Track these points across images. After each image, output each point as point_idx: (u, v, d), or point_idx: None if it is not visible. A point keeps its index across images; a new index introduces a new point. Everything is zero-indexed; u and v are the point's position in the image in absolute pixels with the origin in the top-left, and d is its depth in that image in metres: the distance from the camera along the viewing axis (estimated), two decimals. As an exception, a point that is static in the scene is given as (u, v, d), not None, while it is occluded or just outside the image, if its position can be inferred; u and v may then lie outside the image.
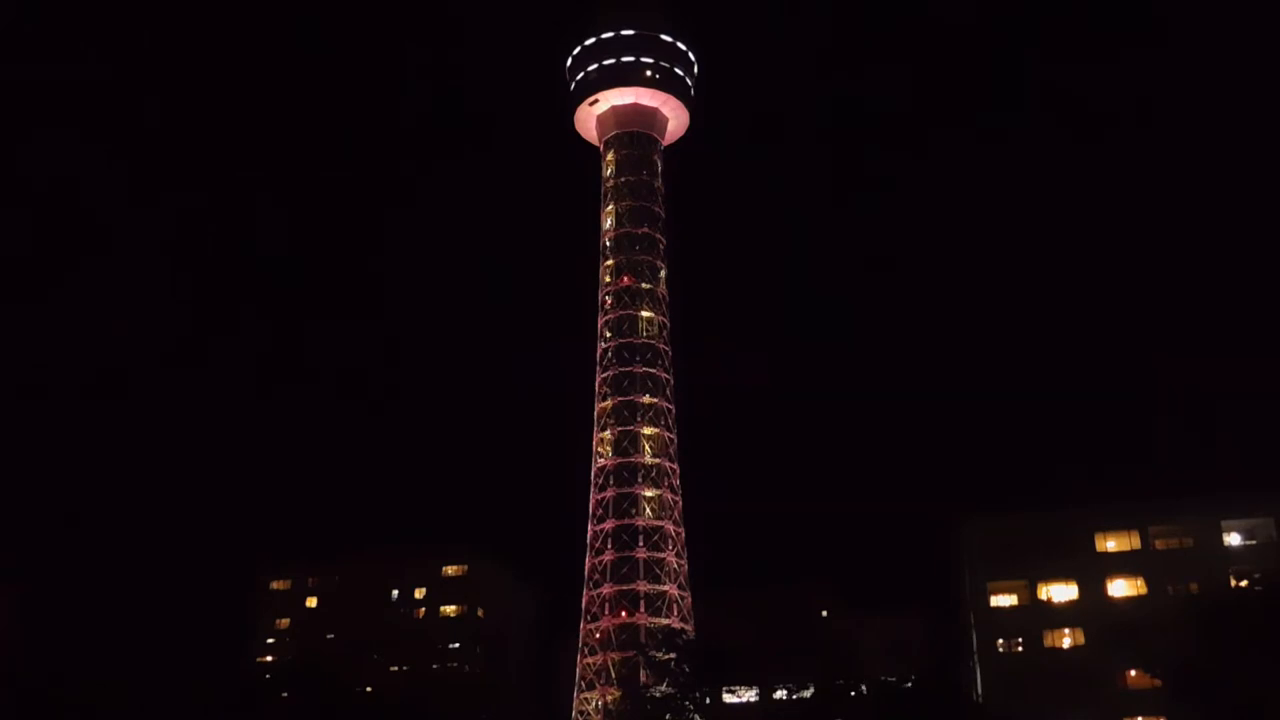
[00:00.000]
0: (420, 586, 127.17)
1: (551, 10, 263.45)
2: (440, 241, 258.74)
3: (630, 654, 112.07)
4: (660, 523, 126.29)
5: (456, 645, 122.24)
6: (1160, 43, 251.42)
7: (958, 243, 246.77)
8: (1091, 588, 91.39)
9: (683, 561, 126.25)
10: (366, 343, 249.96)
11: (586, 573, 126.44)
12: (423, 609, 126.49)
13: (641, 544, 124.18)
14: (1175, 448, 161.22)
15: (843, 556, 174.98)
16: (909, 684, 79.85)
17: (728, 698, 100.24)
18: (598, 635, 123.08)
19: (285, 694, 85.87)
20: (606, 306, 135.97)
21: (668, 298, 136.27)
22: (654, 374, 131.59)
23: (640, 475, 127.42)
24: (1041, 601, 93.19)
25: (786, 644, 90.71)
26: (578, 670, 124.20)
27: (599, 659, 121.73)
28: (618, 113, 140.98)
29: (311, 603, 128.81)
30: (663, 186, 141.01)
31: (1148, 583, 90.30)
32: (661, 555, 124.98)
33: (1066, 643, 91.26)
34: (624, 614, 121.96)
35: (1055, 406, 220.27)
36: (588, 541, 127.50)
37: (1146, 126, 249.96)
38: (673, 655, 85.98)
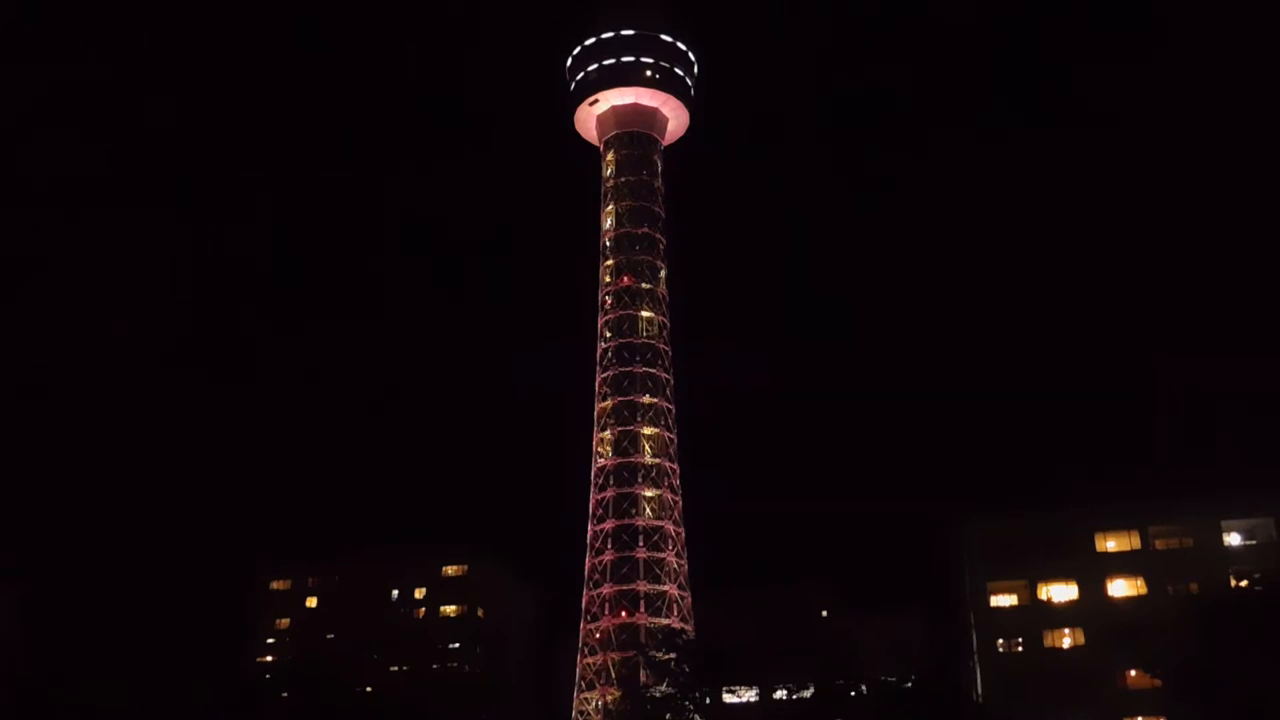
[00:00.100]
0: (420, 586, 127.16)
1: (551, 10, 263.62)
2: (441, 241, 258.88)
3: (630, 654, 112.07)
4: (660, 523, 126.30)
5: (456, 645, 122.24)
6: (1160, 42, 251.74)
7: (958, 242, 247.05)
8: (1091, 588, 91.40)
9: (683, 561, 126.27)
10: (366, 343, 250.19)
11: (586, 573, 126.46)
12: (423, 609, 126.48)
13: (641, 544, 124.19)
14: (1175, 448, 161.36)
15: (843, 556, 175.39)
16: (909, 684, 79.84)
17: (728, 698, 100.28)
18: (598, 635, 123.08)
19: (285, 694, 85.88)
20: (606, 306, 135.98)
21: (668, 298, 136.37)
22: (654, 374, 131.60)
23: (640, 475, 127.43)
24: (1041, 601, 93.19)
25: (786, 644, 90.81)
26: (578, 670, 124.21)
27: (599, 659, 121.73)
28: (618, 113, 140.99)
29: (311, 603, 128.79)
30: (663, 186, 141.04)
31: (1148, 583, 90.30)
32: (661, 555, 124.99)
33: (1066, 643, 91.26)
34: (624, 614, 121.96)
35: (1055, 406, 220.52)
36: (588, 541, 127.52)
37: (1146, 126, 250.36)
38: (673, 655, 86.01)
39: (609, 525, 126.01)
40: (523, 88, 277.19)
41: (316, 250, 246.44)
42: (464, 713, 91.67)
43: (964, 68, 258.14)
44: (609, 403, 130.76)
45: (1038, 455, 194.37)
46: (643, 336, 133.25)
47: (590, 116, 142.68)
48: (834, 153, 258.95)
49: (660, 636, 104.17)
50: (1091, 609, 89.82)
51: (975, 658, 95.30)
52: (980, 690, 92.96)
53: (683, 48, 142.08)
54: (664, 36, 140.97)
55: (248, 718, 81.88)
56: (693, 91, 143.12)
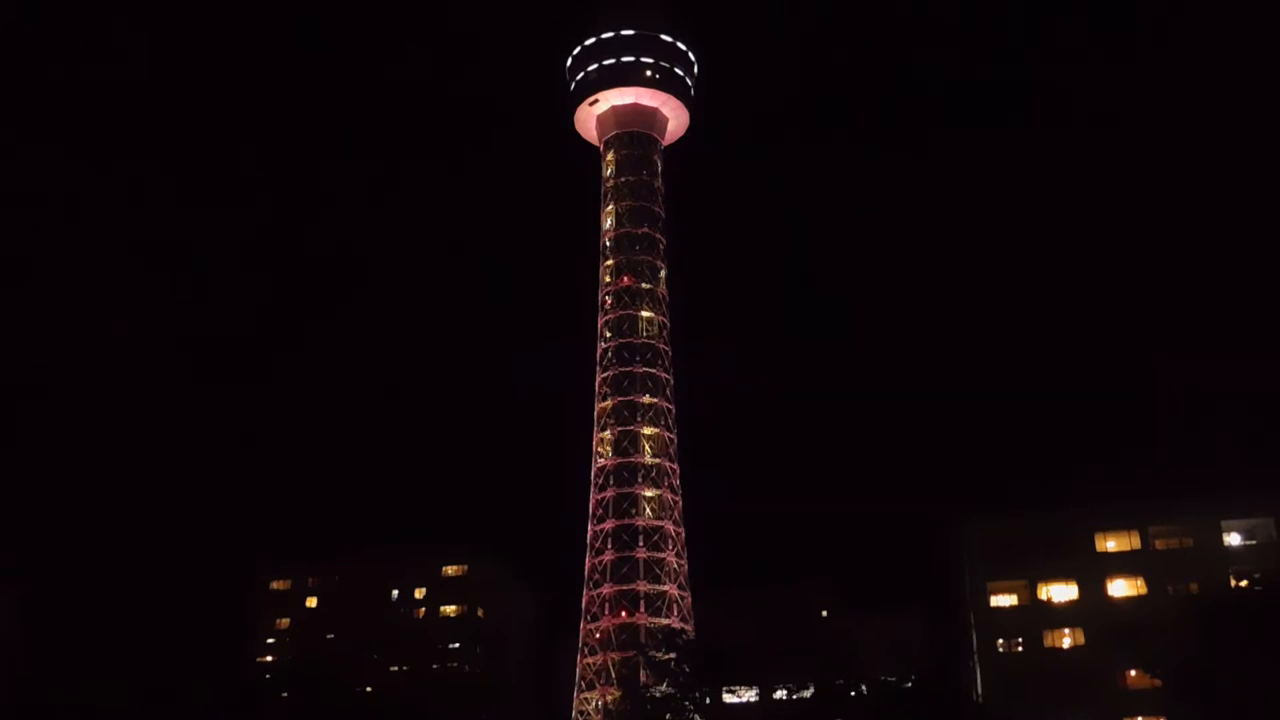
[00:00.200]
0: (420, 586, 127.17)
1: (551, 10, 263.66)
2: (440, 241, 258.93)
3: (630, 654, 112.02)
4: (660, 523, 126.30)
5: (456, 645, 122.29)
6: (1160, 43, 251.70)
7: (958, 242, 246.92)
8: (1091, 588, 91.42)
9: (683, 561, 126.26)
10: (366, 343, 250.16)
11: (586, 573, 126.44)
12: (423, 609, 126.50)
13: (641, 544, 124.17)
14: (1175, 448, 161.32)
15: (843, 556, 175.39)
16: (909, 684, 79.94)
17: (728, 698, 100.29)
18: (598, 635, 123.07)
19: (285, 694, 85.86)
20: (606, 306, 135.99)
21: (668, 298, 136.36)
22: (654, 374, 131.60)
23: (640, 475, 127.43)
24: (1041, 601, 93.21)
25: (786, 644, 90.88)
26: (578, 670, 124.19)
27: (599, 659, 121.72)
28: (618, 113, 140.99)
29: (311, 603, 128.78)
30: (663, 186, 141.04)
31: (1148, 583, 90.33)
32: (661, 555, 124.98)
33: (1066, 643, 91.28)
34: (624, 614, 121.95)
35: (1055, 406, 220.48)
36: (588, 541, 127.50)
37: (1146, 126, 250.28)
38: (673, 655, 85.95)
39: (609, 525, 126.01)
40: (523, 88, 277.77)
41: (317, 250, 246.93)
42: (464, 713, 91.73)
43: (964, 67, 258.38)
44: (609, 403, 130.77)
45: (1037, 455, 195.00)
46: (643, 336, 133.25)
47: (590, 116, 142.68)
48: (834, 153, 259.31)
49: (660, 636, 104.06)
50: (1091, 609, 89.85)
51: (975, 658, 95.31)
52: (980, 690, 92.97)
53: (683, 48, 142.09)
54: (664, 36, 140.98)
55: (248, 718, 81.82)
56: (693, 91, 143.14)
